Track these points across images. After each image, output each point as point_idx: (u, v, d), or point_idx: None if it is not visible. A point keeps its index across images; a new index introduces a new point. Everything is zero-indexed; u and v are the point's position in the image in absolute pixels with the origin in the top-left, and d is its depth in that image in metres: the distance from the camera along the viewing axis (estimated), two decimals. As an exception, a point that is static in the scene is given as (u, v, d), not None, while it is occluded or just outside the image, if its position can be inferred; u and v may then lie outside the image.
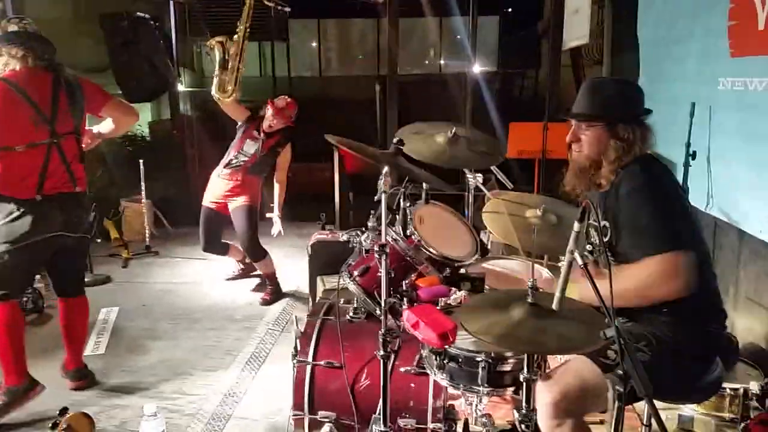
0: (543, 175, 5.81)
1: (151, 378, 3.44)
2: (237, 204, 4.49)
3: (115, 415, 3.05)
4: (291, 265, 5.26)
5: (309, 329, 2.52)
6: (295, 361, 2.43)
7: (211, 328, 4.12)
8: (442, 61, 13.14)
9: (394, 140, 2.02)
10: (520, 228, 2.78)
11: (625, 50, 4.85)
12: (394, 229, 2.37)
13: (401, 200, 2.41)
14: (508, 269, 2.84)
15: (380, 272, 2.16)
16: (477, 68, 8.65)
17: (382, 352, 1.94)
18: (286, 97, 4.60)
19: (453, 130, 2.70)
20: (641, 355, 1.96)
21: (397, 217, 2.41)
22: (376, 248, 1.85)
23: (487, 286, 2.52)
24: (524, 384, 1.76)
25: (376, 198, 1.96)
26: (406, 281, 2.18)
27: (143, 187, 5.66)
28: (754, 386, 2.86)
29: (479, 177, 3.19)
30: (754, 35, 2.96)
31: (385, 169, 1.95)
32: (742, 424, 2.84)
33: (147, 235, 5.77)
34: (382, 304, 1.75)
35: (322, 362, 2.42)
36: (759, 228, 3.03)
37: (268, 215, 4.72)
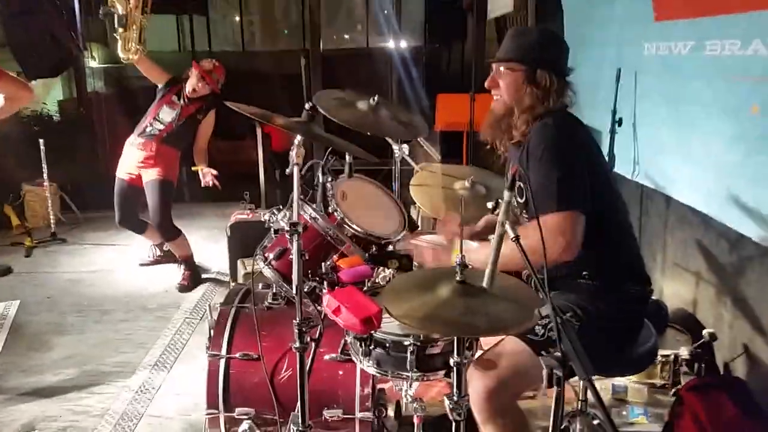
0: (471, 147, 5.72)
1: (54, 378, 3.12)
2: (150, 177, 4.14)
3: (10, 423, 2.74)
4: (212, 247, 4.96)
5: (222, 319, 2.30)
6: (207, 355, 2.21)
7: (123, 319, 3.80)
8: (369, 36, 12.89)
9: (306, 106, 1.80)
10: (448, 201, 2.65)
11: (548, 19, 4.78)
12: (313, 206, 2.17)
13: (320, 174, 2.21)
14: (438, 245, 2.70)
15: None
16: (403, 43, 8.49)
17: (297, 344, 1.74)
18: (214, 60, 4.24)
19: (375, 98, 2.51)
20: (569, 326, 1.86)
21: (317, 192, 2.21)
22: (286, 228, 1.64)
23: (415, 264, 2.37)
24: (455, 369, 1.61)
25: (287, 171, 1.75)
26: (327, 262, 1.99)
27: (45, 170, 5.18)
28: (684, 352, 2.87)
29: (405, 148, 3.02)
30: (678, -3, 2.90)
31: (297, 138, 1.74)
32: (673, 390, 2.85)
33: (52, 222, 5.31)
34: (295, 290, 1.55)
35: (237, 354, 2.21)
36: (685, 193, 3.02)
37: (205, 182, 4.25)
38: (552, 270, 1.80)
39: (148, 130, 4.16)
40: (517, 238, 1.41)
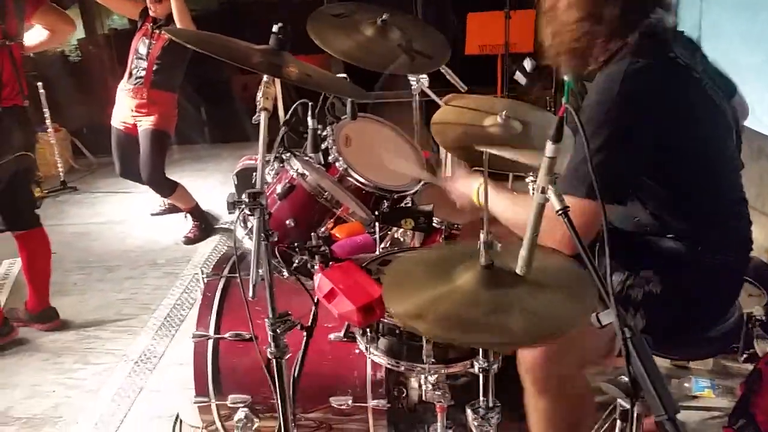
0: (507, 73, 5.17)
1: (51, 345, 2.89)
2: (144, 126, 3.77)
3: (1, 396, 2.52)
4: (227, 193, 4.60)
5: (209, 293, 1.97)
6: (192, 336, 1.90)
7: (128, 276, 3.54)
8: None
9: (274, 28, 1.37)
10: (476, 140, 2.21)
11: None
12: (305, 157, 1.78)
13: (310, 118, 1.79)
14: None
15: (287, 222, 1.60)
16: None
17: (272, 349, 1.38)
18: None
19: (384, 17, 2.05)
20: (652, 286, 1.49)
21: (307, 141, 1.80)
22: (246, 199, 1.25)
23: (436, 221, 1.97)
24: (481, 375, 1.24)
25: (253, 119, 1.35)
26: (321, 230, 1.61)
27: (47, 114, 4.86)
28: (758, 311, 2.44)
29: (425, 79, 2.55)
30: None
31: (265, 77, 1.33)
32: (744, 355, 2.45)
33: (60, 169, 5.04)
34: (254, 280, 1.18)
35: (226, 335, 1.88)
36: (765, 122, 2.51)
37: None
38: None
39: (134, 71, 3.75)
40: (564, 211, 1.00)
